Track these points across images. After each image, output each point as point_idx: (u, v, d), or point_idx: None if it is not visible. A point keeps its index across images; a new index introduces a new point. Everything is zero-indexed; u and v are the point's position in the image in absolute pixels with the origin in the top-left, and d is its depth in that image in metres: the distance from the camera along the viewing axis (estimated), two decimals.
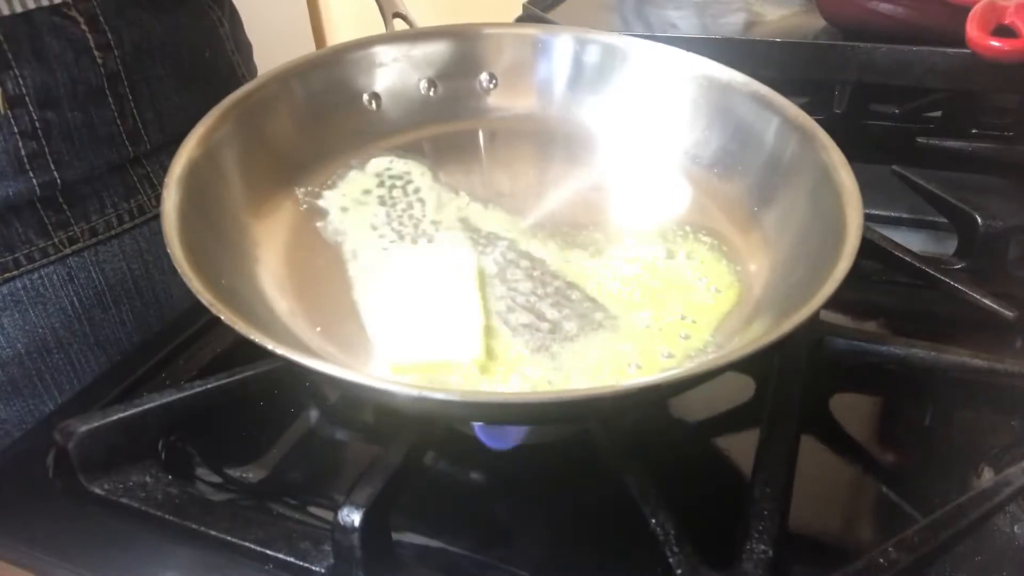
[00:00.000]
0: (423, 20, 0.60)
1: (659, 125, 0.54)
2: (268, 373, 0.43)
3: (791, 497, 0.36)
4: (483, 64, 0.56)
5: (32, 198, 0.50)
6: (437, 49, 0.55)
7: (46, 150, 0.49)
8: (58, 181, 0.50)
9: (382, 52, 0.54)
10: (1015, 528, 0.36)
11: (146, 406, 0.41)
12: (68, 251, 0.52)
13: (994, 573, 0.34)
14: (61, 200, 0.51)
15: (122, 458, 0.41)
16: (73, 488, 0.40)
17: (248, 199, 0.47)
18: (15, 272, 0.51)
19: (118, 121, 0.53)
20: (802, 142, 0.47)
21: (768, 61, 0.70)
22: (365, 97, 0.53)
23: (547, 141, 0.56)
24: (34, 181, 0.50)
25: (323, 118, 0.52)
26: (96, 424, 0.40)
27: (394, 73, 0.54)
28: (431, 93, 0.55)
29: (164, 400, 0.42)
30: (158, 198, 0.55)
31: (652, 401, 0.41)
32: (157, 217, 0.49)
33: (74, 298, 0.53)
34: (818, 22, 0.72)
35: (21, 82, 0.48)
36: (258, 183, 0.48)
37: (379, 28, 0.58)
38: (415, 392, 0.32)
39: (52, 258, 0.52)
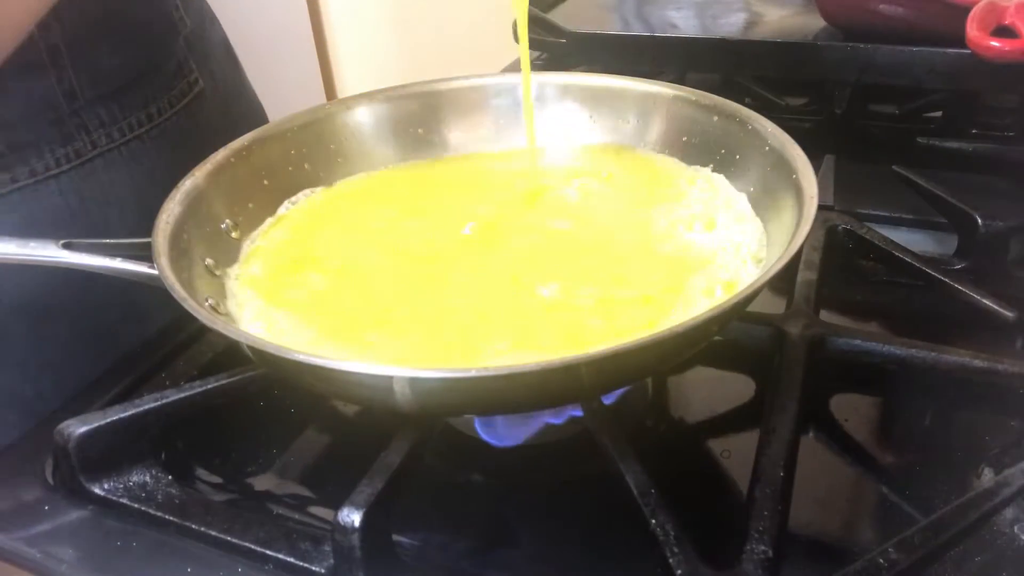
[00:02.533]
0: (422, 17, 0.60)
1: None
2: (268, 373, 0.43)
3: (791, 497, 0.36)
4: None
5: None
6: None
7: None
8: None
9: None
10: (1015, 528, 0.36)
11: (146, 406, 0.41)
12: (9, 189, 0.57)
13: (994, 573, 0.34)
14: (3, 147, 0.55)
15: (122, 458, 0.41)
16: (73, 488, 0.40)
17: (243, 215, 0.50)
18: None
19: (56, 87, 0.57)
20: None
21: (768, 61, 0.70)
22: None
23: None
24: None
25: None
26: (96, 424, 0.40)
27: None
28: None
29: (164, 400, 0.42)
30: (93, 143, 0.59)
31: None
32: (92, 159, 0.58)
33: (18, 226, 0.57)
34: (818, 22, 0.72)
35: None
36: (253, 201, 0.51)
37: (387, 76, 0.60)
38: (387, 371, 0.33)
39: None
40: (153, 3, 0.63)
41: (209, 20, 0.74)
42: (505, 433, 0.43)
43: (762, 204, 0.47)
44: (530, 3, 0.83)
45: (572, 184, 0.54)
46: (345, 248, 0.49)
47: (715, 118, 0.51)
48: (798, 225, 0.39)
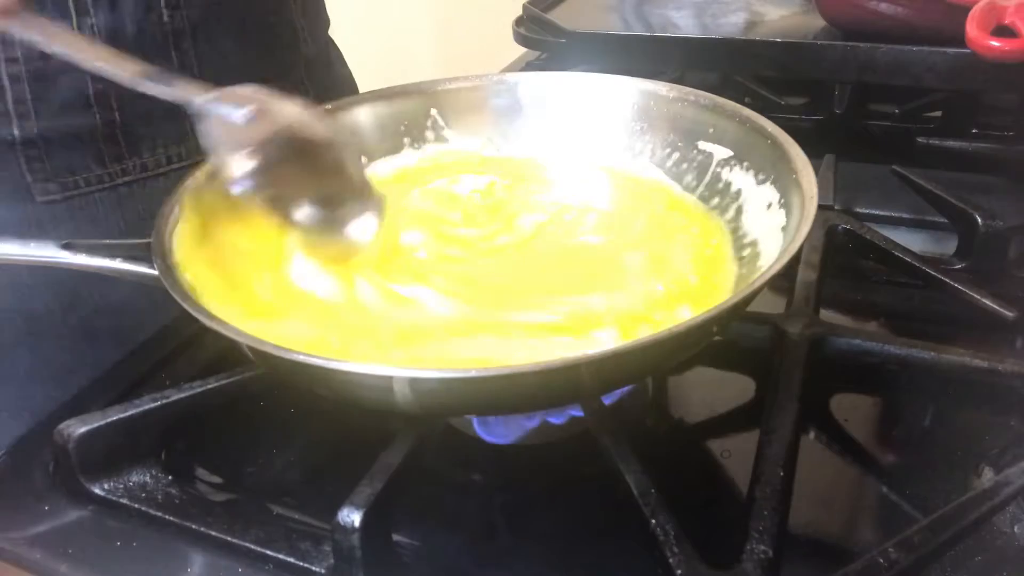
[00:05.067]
0: (422, 14, 0.61)
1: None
2: (268, 373, 0.43)
3: (791, 497, 0.36)
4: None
5: (94, 131, 0.57)
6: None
7: (111, 91, 0.56)
8: (118, 119, 0.57)
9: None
10: (1015, 528, 0.36)
11: (146, 406, 0.41)
12: (120, 181, 0.59)
13: (994, 573, 0.34)
14: (119, 136, 0.58)
15: (122, 458, 0.41)
16: (73, 488, 0.40)
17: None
18: (74, 192, 0.58)
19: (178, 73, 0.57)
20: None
21: (768, 61, 0.70)
22: None
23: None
24: (97, 117, 0.56)
25: None
26: (96, 424, 0.40)
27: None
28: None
29: (164, 400, 0.42)
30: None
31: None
32: (202, 161, 0.54)
33: (121, 222, 0.59)
34: (818, 22, 0.72)
35: (96, 30, 0.54)
36: None
37: (387, 76, 0.62)
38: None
39: (106, 185, 0.58)
40: (280, 12, 0.65)
41: (336, 57, 0.76)
42: (502, 431, 0.43)
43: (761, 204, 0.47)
44: (530, 3, 0.84)
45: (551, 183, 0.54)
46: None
47: (715, 118, 0.51)
48: (798, 225, 0.39)
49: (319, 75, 0.71)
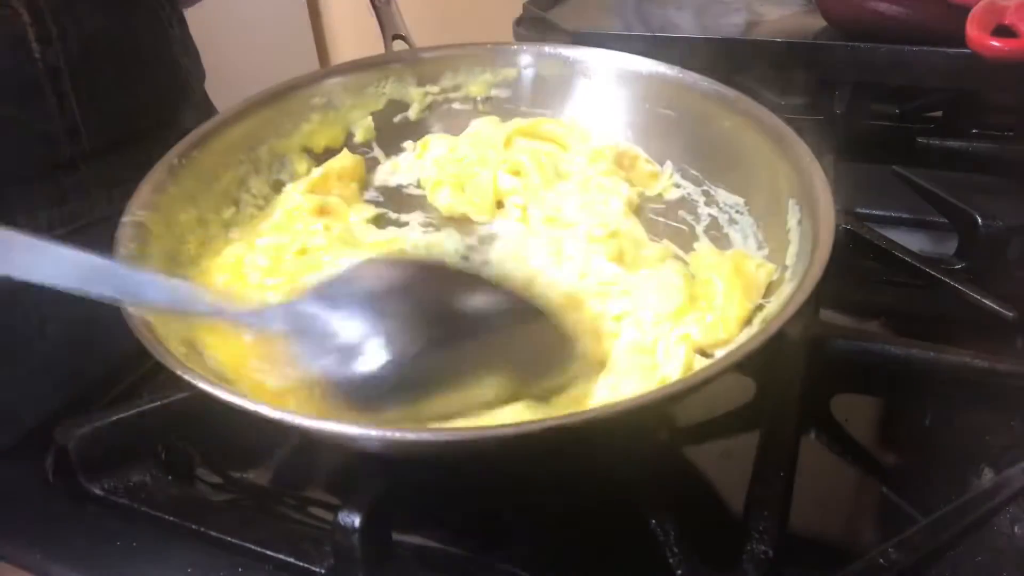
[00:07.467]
0: (422, 14, 0.61)
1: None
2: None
3: (791, 497, 0.36)
4: None
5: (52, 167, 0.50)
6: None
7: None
8: (81, 152, 0.50)
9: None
10: (1015, 528, 0.36)
11: (146, 407, 0.41)
12: (79, 223, 0.52)
13: (994, 573, 0.34)
14: (80, 168, 0.51)
15: (122, 458, 0.41)
16: (73, 488, 0.40)
17: None
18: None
19: (57, 119, 0.51)
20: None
21: (768, 61, 0.70)
22: None
23: None
24: (57, 152, 0.49)
25: None
26: (96, 424, 0.40)
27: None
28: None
29: (164, 401, 0.42)
30: (91, 206, 0.53)
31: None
32: (90, 225, 0.48)
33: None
34: (818, 22, 0.72)
35: None
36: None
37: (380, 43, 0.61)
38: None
39: (67, 227, 0.51)
40: (160, 47, 0.58)
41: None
42: None
43: (763, 206, 0.47)
44: (530, 3, 0.84)
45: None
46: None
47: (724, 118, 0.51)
48: (815, 247, 0.39)
49: (204, 107, 0.64)
